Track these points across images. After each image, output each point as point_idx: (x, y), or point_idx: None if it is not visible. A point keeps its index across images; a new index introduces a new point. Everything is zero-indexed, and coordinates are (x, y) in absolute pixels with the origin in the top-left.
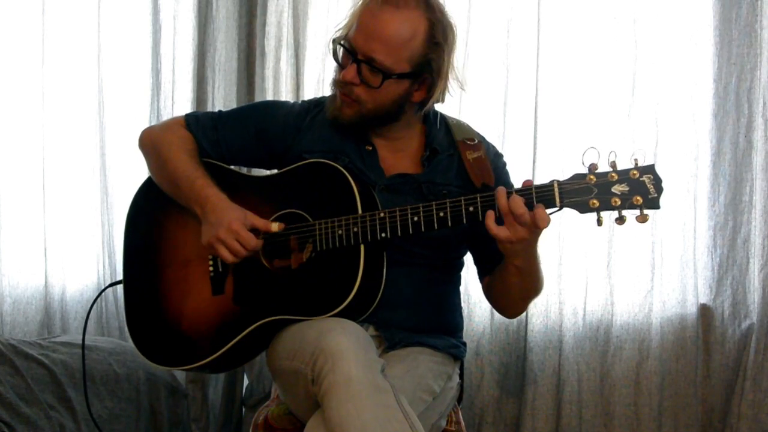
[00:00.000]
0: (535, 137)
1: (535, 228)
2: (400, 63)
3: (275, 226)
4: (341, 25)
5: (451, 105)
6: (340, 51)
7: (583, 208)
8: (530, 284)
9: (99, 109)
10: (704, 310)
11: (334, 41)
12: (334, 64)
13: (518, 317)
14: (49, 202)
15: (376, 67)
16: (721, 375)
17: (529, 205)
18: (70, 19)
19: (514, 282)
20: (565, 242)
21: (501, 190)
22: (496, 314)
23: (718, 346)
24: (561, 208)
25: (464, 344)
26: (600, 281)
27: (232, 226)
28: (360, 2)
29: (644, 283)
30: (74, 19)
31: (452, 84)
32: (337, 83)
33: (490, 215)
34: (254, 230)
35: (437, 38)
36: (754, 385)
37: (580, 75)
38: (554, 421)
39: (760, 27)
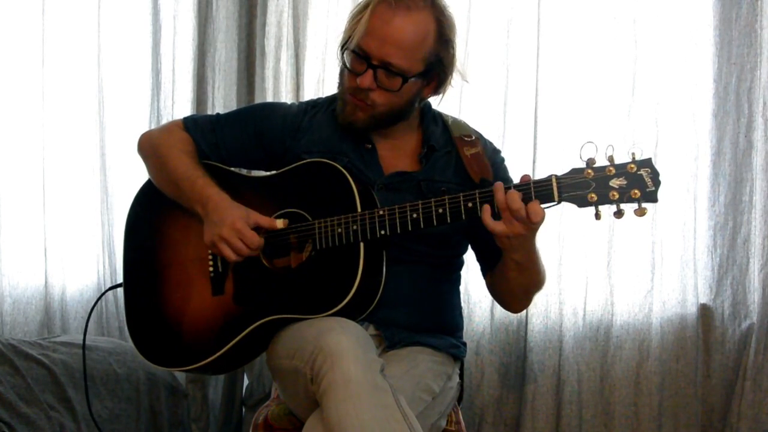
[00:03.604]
0: (535, 137)
1: (530, 223)
2: (415, 64)
3: (280, 223)
4: (344, 31)
5: (451, 104)
6: (349, 57)
7: (582, 202)
8: (530, 279)
9: (99, 109)
10: (704, 310)
11: (342, 48)
12: (341, 70)
13: (518, 317)
14: (49, 202)
15: (393, 71)
16: (721, 375)
17: (527, 200)
18: (70, 19)
19: (513, 276)
20: (565, 242)
21: (499, 185)
22: (496, 314)
23: (718, 346)
24: (559, 202)
25: (464, 344)
26: (600, 281)
27: (235, 224)
28: (366, 7)
29: (644, 283)
30: (74, 19)
31: (454, 76)
32: (350, 90)
33: (487, 210)
34: (257, 229)
35: (446, 35)
36: (754, 385)
37: (580, 75)
38: (554, 421)
39: (760, 27)
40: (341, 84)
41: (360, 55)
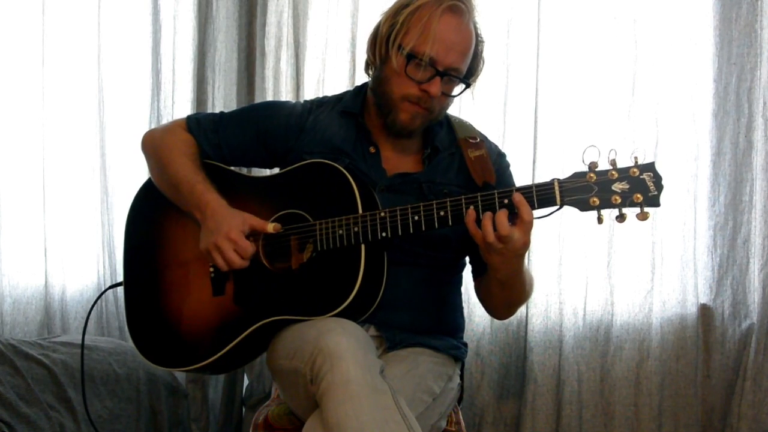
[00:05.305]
0: (535, 137)
1: (500, 237)
2: (466, 67)
3: (271, 227)
4: (387, 29)
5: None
6: (407, 65)
7: (584, 207)
8: (512, 296)
9: (99, 109)
10: (704, 310)
11: (408, 56)
12: (382, 76)
13: (518, 317)
14: (49, 202)
15: (457, 77)
16: (721, 375)
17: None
18: (70, 19)
19: (495, 292)
20: (565, 242)
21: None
22: None
23: (718, 346)
24: (561, 206)
25: (465, 345)
26: (600, 281)
27: (230, 234)
28: (416, 9)
29: (644, 283)
30: (74, 19)
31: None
32: (409, 97)
33: (471, 215)
34: (254, 233)
35: (480, 36)
36: (754, 385)
37: (580, 75)
38: (554, 421)
39: (760, 27)
40: (387, 90)
41: (425, 63)
